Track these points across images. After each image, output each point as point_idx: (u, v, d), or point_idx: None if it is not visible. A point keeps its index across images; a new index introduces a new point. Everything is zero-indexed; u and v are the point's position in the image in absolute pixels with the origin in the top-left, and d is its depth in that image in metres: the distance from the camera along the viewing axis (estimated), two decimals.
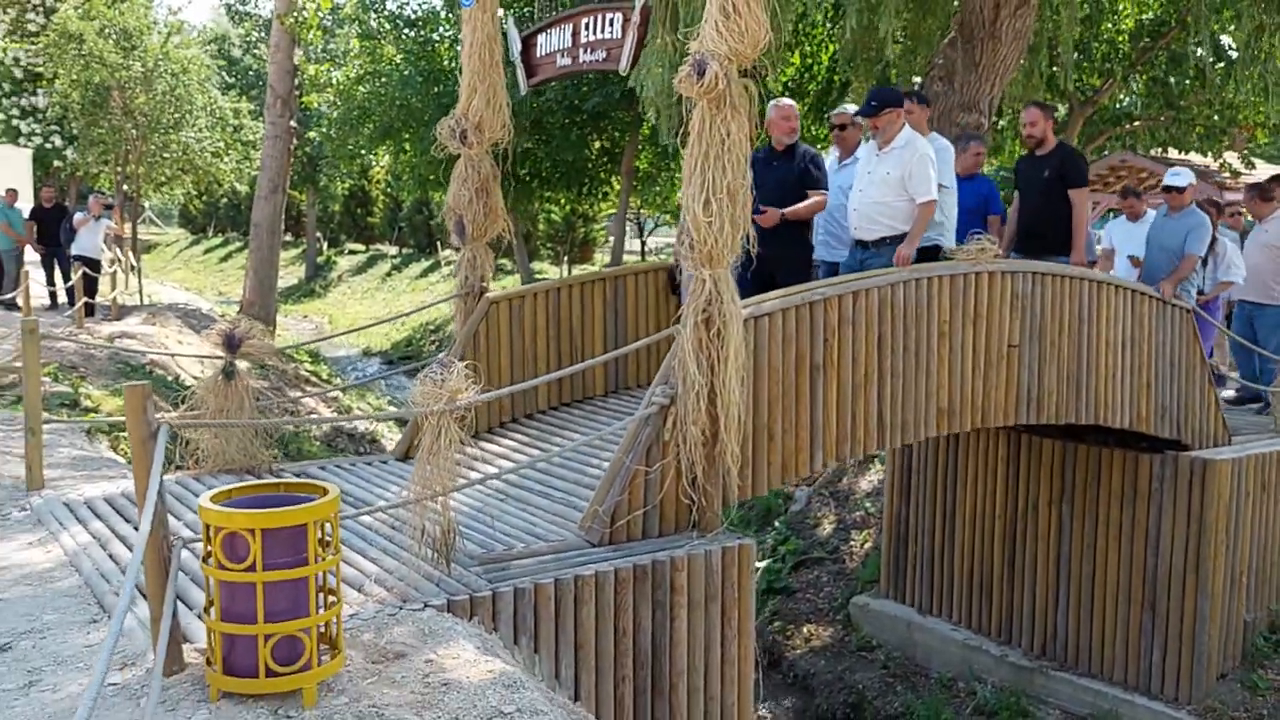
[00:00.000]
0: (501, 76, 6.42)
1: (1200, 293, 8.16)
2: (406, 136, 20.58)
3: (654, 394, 4.94)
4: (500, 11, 6.10)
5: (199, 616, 3.75)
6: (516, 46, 6.21)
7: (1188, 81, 16.86)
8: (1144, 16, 17.09)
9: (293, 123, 21.15)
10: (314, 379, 17.05)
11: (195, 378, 11.17)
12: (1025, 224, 7.15)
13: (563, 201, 25.08)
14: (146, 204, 53.05)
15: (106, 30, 23.05)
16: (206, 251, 49.16)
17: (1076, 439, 7.74)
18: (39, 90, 30.87)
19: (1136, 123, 18.36)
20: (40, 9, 31.21)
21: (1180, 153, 18.02)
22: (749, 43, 4.70)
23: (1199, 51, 14.66)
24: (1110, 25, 17.29)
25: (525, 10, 17.33)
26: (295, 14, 19.58)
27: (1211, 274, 8.40)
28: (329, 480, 5.70)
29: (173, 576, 3.37)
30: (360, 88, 21.52)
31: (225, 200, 43.52)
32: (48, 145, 32.01)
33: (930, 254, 6.35)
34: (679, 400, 4.85)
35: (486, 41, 6.36)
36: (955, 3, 12.40)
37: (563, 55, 5.93)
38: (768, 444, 5.29)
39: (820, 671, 8.54)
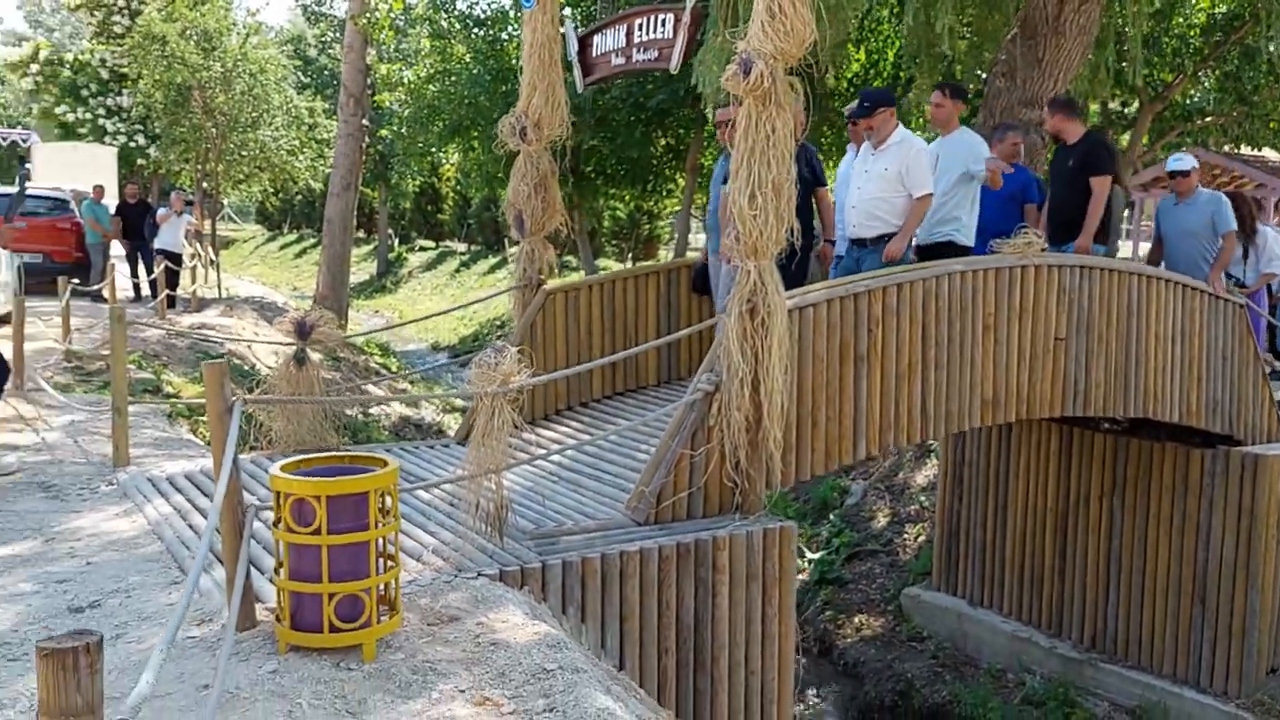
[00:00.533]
0: (560, 76, 6.67)
1: (1241, 285, 8.10)
2: (475, 134, 20.97)
3: (700, 381, 5.15)
4: (567, 11, 6.35)
5: (269, 580, 4.03)
6: (573, 46, 6.45)
7: (1261, 76, 16.58)
8: (1216, 11, 16.83)
9: (365, 121, 21.67)
10: (384, 370, 17.51)
11: (269, 367, 11.61)
12: (1052, 213, 7.18)
13: (627, 198, 25.31)
14: (225, 201, 54.61)
15: (188, 32, 23.75)
16: (282, 247, 50.32)
17: (1128, 433, 7.78)
18: (124, 90, 31.97)
19: (1208, 118, 18.07)
20: (126, 11, 32.28)
21: (1253, 149, 17.73)
22: (795, 42, 4.88)
23: (1271, 46, 14.43)
24: (1181, 20, 17.06)
25: (590, 9, 17.61)
26: (368, 15, 20.07)
27: (1254, 265, 8.33)
28: (402, 462, 6.02)
29: (246, 539, 3.66)
30: (430, 86, 21.97)
31: (300, 197, 44.51)
32: (132, 144, 33.12)
33: (943, 250, 6.45)
34: (724, 387, 5.05)
35: (546, 42, 6.62)
36: None
37: (617, 55, 6.16)
38: (811, 431, 5.46)
39: (870, 660, 8.67)
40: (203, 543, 3.30)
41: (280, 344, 6.86)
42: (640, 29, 5.93)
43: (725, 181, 6.24)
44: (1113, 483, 7.86)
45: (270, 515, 3.70)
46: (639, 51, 5.96)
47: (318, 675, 3.44)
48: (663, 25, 5.77)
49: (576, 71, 6.47)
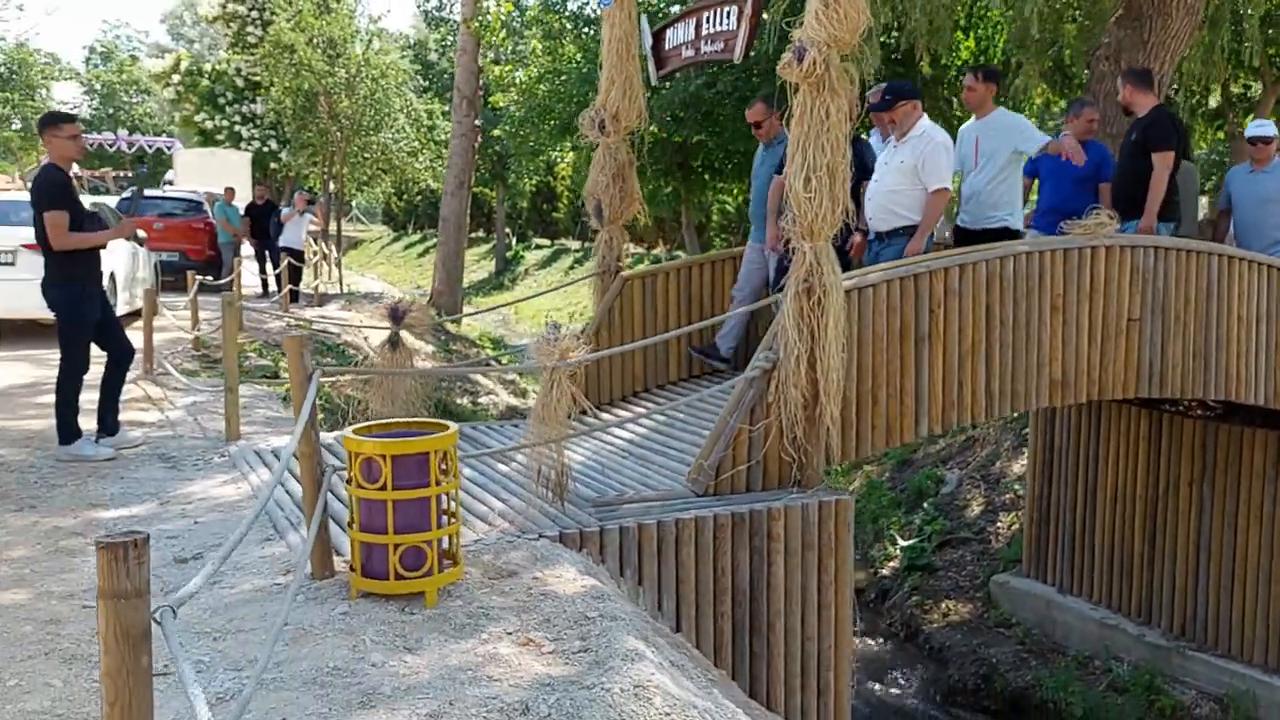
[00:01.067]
0: (637, 70, 6.95)
1: None
2: (574, 134, 21.43)
3: (758, 358, 5.36)
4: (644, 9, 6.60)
5: (343, 528, 4.41)
6: (648, 41, 6.71)
7: None
8: None
9: (477, 122, 22.32)
10: (495, 362, 18.07)
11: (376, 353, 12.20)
12: (1114, 189, 7.03)
13: (735, 192, 25.45)
14: (353, 203, 56.62)
15: (315, 40, 24.78)
16: (406, 247, 51.91)
17: (1219, 419, 7.67)
18: (257, 98, 33.54)
19: None
20: (258, 22, 33.82)
21: None
22: (848, 29, 5.04)
23: None
24: None
25: (661, 6, 17.83)
26: (480, 18, 20.70)
27: None
28: (481, 437, 6.39)
29: (323, 494, 4.03)
30: (541, 86, 22.53)
31: (422, 198, 45.84)
32: (265, 148, 34.70)
33: (997, 237, 6.44)
34: (781, 364, 5.24)
35: (624, 38, 6.91)
36: None
37: (686, 47, 6.39)
38: (871, 409, 5.61)
39: (955, 645, 8.71)
40: (268, 488, 3.68)
41: (373, 327, 7.31)
42: (707, 21, 6.16)
43: (779, 171, 6.45)
44: (1203, 469, 7.75)
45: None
46: (706, 43, 6.19)
47: (382, 617, 3.79)
48: (728, 17, 5.99)
49: (650, 65, 6.73)
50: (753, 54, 6.90)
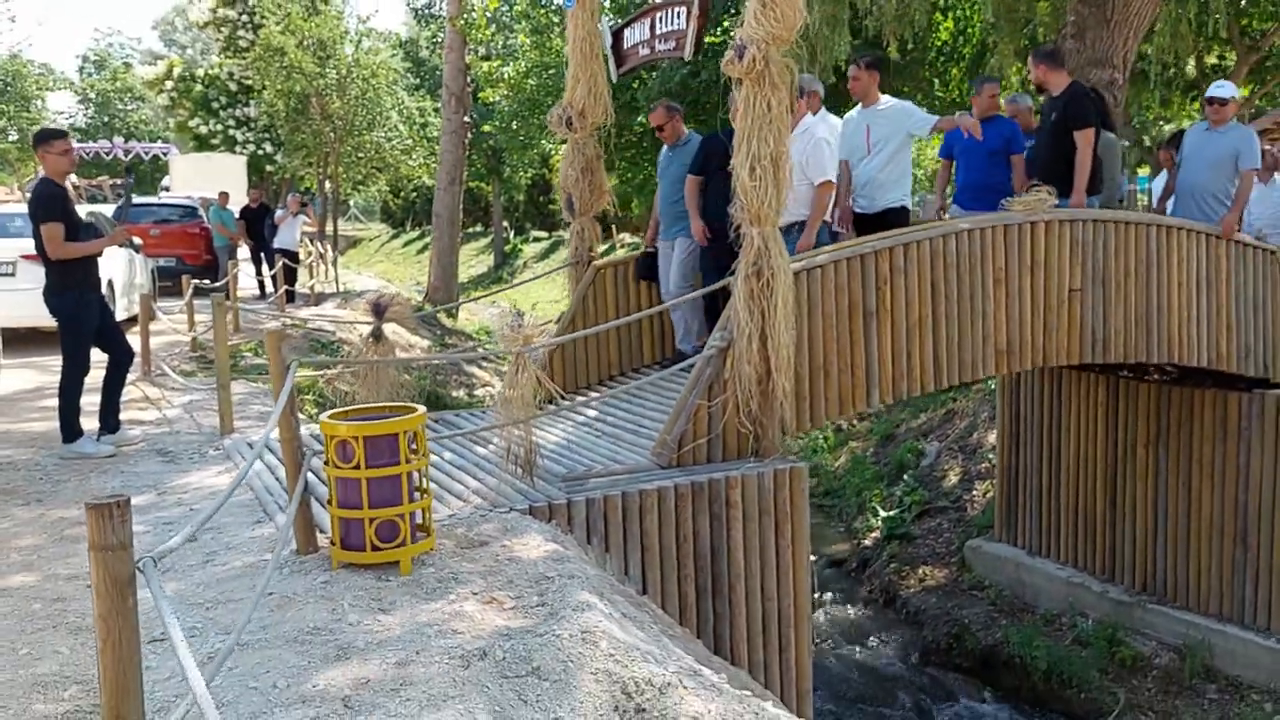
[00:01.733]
0: (601, 68, 7.28)
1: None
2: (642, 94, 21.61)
3: (714, 338, 5.70)
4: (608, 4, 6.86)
5: (324, 506, 4.77)
6: (608, 40, 7.04)
7: None
8: None
9: (467, 118, 22.64)
10: (492, 357, 18.41)
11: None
12: (1040, 168, 7.13)
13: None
14: (351, 202, 56.98)
15: (305, 42, 25.06)
16: (405, 244, 52.24)
17: (1174, 382, 7.99)
18: (250, 101, 33.86)
19: None
20: (249, 26, 34.11)
21: None
22: (785, 26, 5.37)
23: None
24: None
25: (621, 5, 18.12)
26: (465, 15, 20.99)
27: None
28: (462, 423, 6.75)
29: (303, 475, 4.40)
30: (530, 80, 22.81)
31: (418, 196, 46.13)
32: (260, 151, 35.02)
33: (896, 216, 6.75)
34: (734, 343, 5.58)
35: (587, 37, 7.24)
36: None
37: (643, 46, 6.72)
38: (824, 382, 5.96)
39: (930, 608, 9.07)
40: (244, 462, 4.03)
41: (364, 323, 7.65)
42: (660, 21, 6.50)
43: (693, 171, 6.91)
44: (1157, 431, 8.09)
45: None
46: (660, 42, 6.52)
47: (360, 585, 4.16)
48: (678, 17, 6.32)
49: (610, 63, 7.07)
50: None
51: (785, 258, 5.57)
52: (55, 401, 6.89)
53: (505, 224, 43.14)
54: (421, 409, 4.42)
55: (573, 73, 7.32)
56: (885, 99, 7.20)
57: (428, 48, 43.89)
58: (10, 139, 49.73)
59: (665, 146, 7.48)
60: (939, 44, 19.43)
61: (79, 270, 6.72)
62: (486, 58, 29.57)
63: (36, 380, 9.39)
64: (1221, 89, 7.78)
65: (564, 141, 22.66)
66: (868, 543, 10.64)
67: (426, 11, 42.74)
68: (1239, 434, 7.54)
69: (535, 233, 44.20)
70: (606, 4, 18.39)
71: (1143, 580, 8.26)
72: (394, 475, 4.24)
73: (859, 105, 7.28)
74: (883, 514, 10.77)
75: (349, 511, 4.26)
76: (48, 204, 6.58)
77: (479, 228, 46.47)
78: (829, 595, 9.87)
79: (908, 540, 10.20)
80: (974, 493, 10.55)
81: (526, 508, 5.02)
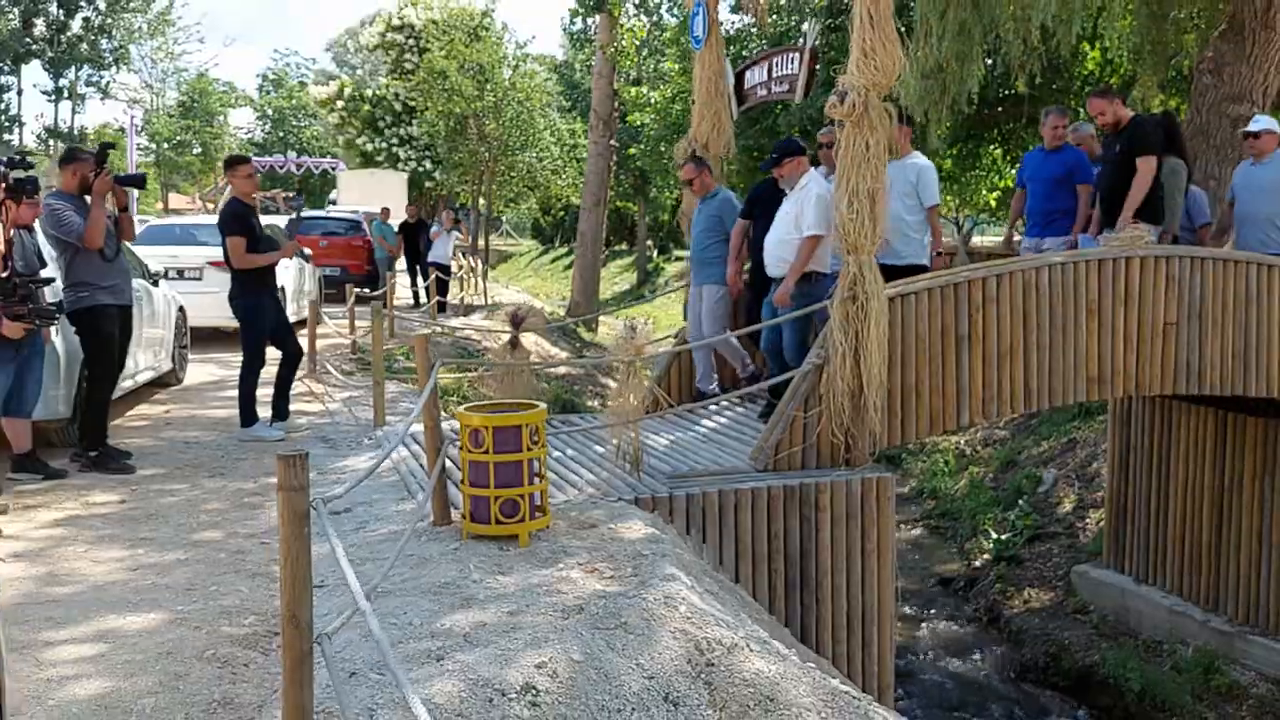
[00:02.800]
0: (725, 104, 7.92)
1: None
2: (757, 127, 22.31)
3: (812, 356, 6.25)
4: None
5: (457, 487, 5.52)
6: (731, 80, 7.67)
7: None
8: None
9: (613, 142, 23.59)
10: (611, 365, 19.25)
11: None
12: (1105, 197, 7.41)
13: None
14: (503, 218, 59.09)
15: (465, 67, 26.46)
16: (553, 260, 53.86)
17: None
18: (413, 121, 35.73)
19: None
20: (415, 50, 36.00)
21: None
22: (885, 74, 5.91)
23: None
24: None
25: (741, 50, 18.66)
26: (615, 44, 21.96)
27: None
28: (584, 424, 7.45)
29: (441, 458, 5.15)
30: (676, 105, 23.65)
31: (567, 214, 47.54)
32: (420, 169, 36.86)
33: (909, 273, 6.98)
34: (830, 361, 6.12)
35: (713, 77, 7.90)
36: None
37: (761, 87, 7.33)
38: (915, 401, 6.42)
39: (1032, 628, 9.32)
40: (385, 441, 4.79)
41: (504, 332, 8.46)
42: (776, 66, 7.10)
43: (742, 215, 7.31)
44: (1265, 464, 8.20)
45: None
46: (775, 84, 7.12)
47: (484, 552, 4.87)
48: (791, 63, 6.91)
49: (731, 101, 7.69)
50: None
51: (879, 283, 6.08)
52: (234, 391, 7.91)
53: (649, 243, 44.12)
54: (542, 406, 5.12)
55: (698, 109, 7.99)
56: (915, 155, 7.46)
57: (582, 70, 45.32)
58: (194, 152, 53.54)
59: (700, 200, 7.90)
60: (1085, 73, 19.41)
61: (258, 277, 7.73)
62: (637, 82, 30.63)
63: (217, 374, 10.55)
64: (1256, 123, 8.05)
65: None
66: (977, 564, 10.91)
67: (581, 36, 44.18)
68: None
69: (678, 252, 45.03)
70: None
71: (1245, 612, 8.36)
72: (517, 461, 4.95)
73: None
74: (994, 536, 11.01)
75: (478, 490, 4.98)
76: (232, 220, 7.62)
77: (624, 246, 47.61)
78: (934, 611, 10.20)
79: (1016, 563, 10.44)
80: (1087, 520, 10.71)
81: (633, 498, 5.67)
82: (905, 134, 7.40)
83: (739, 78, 7.64)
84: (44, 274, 6.44)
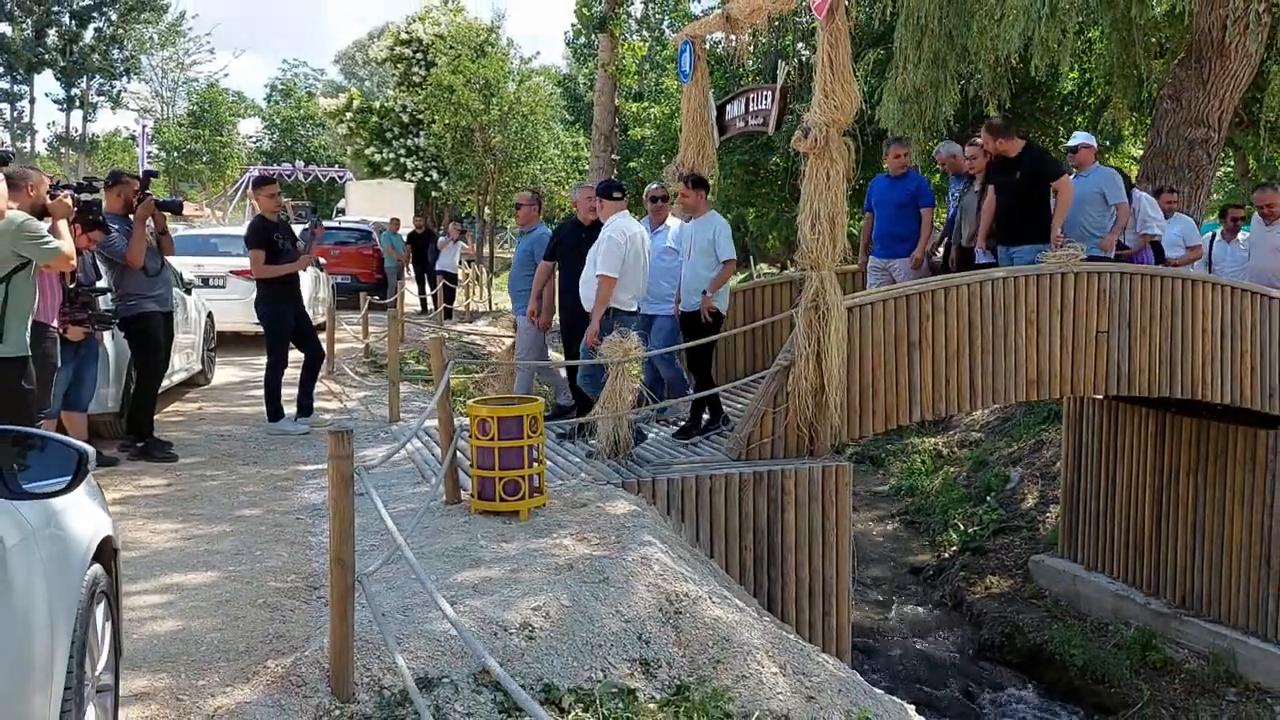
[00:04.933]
0: (710, 133, 8.75)
1: (1125, 247, 8.68)
2: (735, 156, 23.18)
3: (780, 358, 7.08)
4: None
5: (466, 473, 6.34)
6: (713, 113, 8.50)
7: None
8: None
9: (614, 156, 24.42)
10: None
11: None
12: (1003, 219, 8.09)
13: (855, 215, 26.87)
14: (508, 227, 59.96)
15: (472, 81, 27.31)
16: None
17: (1215, 418, 8.92)
18: (420, 132, 36.60)
19: None
20: (423, 64, 36.89)
21: None
22: (844, 112, 6.73)
23: None
24: None
25: (724, 83, 19.52)
26: (615, 62, 22.81)
27: (1133, 229, 8.77)
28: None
29: (453, 445, 5.97)
30: (675, 121, 24.47)
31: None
32: (427, 179, 37.70)
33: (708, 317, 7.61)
34: (795, 363, 6.94)
35: (698, 108, 8.74)
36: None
37: (739, 120, 8.15)
38: (871, 398, 7.24)
39: (991, 612, 10.13)
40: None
41: (507, 336, 9.32)
42: (753, 100, 7.94)
43: (547, 256, 8.02)
44: (1198, 460, 9.01)
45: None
46: (752, 118, 7.95)
47: (489, 525, 5.70)
48: (766, 98, 7.74)
49: (714, 131, 8.53)
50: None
51: (839, 295, 6.91)
52: (259, 390, 8.75)
53: None
54: (540, 400, 5.96)
55: (685, 137, 8.83)
56: (711, 213, 7.89)
57: (585, 84, 46.21)
58: (204, 160, 54.45)
59: (520, 236, 8.69)
60: (1065, 94, 20.26)
61: (279, 285, 8.57)
62: (639, 97, 31.49)
63: (241, 375, 11.39)
64: (1074, 139, 8.98)
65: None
66: (946, 554, 11.72)
67: (585, 49, 45.06)
68: (1266, 466, 8.43)
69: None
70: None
71: (1182, 595, 9.17)
72: (518, 447, 5.78)
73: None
74: (962, 529, 11.83)
75: (484, 471, 5.81)
76: (252, 235, 8.53)
77: None
78: (903, 597, 11.01)
79: (981, 553, 11.24)
80: (1047, 514, 11.51)
81: (620, 482, 6.49)
82: (701, 197, 7.79)
83: (720, 110, 8.47)
84: (99, 285, 7.29)
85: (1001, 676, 9.29)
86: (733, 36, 8.36)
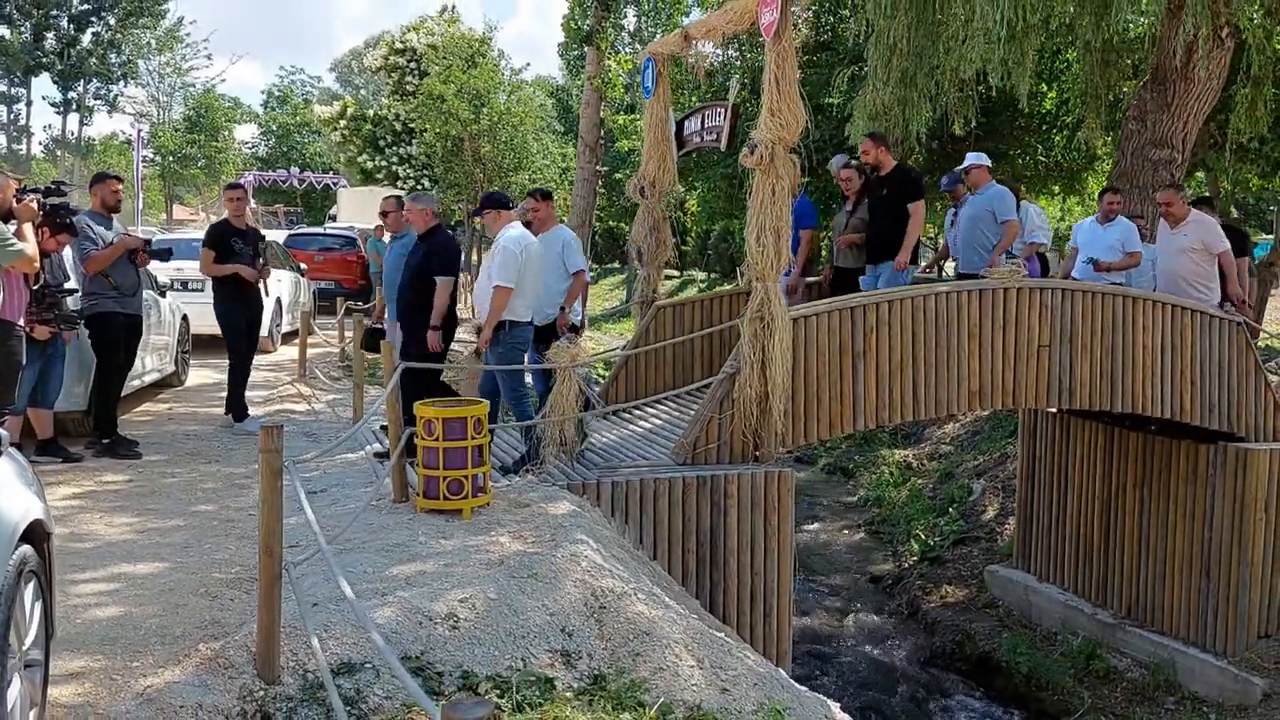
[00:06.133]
0: (670, 148, 8.98)
1: (1013, 256, 8.92)
2: (695, 175, 23.55)
3: (726, 365, 7.29)
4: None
5: (412, 468, 6.53)
6: (672, 128, 8.73)
7: None
8: None
9: (601, 168, 24.69)
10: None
11: None
12: (871, 236, 8.37)
13: (825, 227, 27.11)
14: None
15: (462, 92, 27.56)
16: None
17: (1160, 432, 9.13)
18: (413, 141, 36.86)
19: None
20: (416, 73, 37.17)
21: None
22: (789, 130, 6.95)
23: None
24: None
25: (686, 99, 19.85)
26: (602, 75, 23.08)
27: (1021, 238, 9.08)
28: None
29: (402, 444, 6.17)
30: None
31: None
32: (419, 187, 37.92)
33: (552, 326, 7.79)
34: (741, 371, 7.15)
35: (659, 124, 8.97)
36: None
37: (696, 135, 8.38)
38: (817, 406, 7.45)
39: (945, 620, 10.33)
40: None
41: (472, 342, 9.52)
42: (708, 117, 8.17)
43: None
44: (1144, 474, 9.21)
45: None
46: (707, 134, 8.19)
47: (432, 522, 5.89)
48: (719, 115, 7.98)
49: (673, 146, 8.76)
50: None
51: (783, 306, 7.12)
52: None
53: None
54: (485, 403, 6.16)
55: (647, 150, 9.06)
56: (559, 226, 8.13)
57: (577, 96, 46.52)
58: (199, 165, 54.71)
59: (389, 235, 8.87)
60: (1043, 112, 20.54)
61: (230, 288, 8.83)
62: (630, 108, 31.74)
63: (216, 376, 11.56)
64: (967, 161, 9.21)
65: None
66: (906, 564, 11.91)
67: (579, 63, 45.38)
68: (1206, 480, 8.64)
69: (667, 271, 46.08)
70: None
71: (1128, 605, 9.37)
72: (462, 447, 5.98)
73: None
74: (922, 539, 12.03)
75: (430, 471, 6.01)
76: (209, 234, 8.96)
77: (616, 264, 48.74)
78: (861, 605, 11.20)
79: (939, 563, 11.44)
80: (1006, 526, 11.71)
81: (565, 484, 6.69)
82: (550, 209, 7.90)
83: (680, 125, 8.70)
84: (68, 285, 7.50)
85: (950, 683, 9.48)
86: (692, 55, 8.58)
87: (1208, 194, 11.40)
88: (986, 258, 8.59)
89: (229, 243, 8.81)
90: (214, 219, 41.22)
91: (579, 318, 8.22)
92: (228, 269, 8.81)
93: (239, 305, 8.92)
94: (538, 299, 7.48)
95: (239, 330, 8.89)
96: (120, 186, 8.24)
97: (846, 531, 13.64)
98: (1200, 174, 19.64)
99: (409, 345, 7.42)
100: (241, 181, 15.57)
